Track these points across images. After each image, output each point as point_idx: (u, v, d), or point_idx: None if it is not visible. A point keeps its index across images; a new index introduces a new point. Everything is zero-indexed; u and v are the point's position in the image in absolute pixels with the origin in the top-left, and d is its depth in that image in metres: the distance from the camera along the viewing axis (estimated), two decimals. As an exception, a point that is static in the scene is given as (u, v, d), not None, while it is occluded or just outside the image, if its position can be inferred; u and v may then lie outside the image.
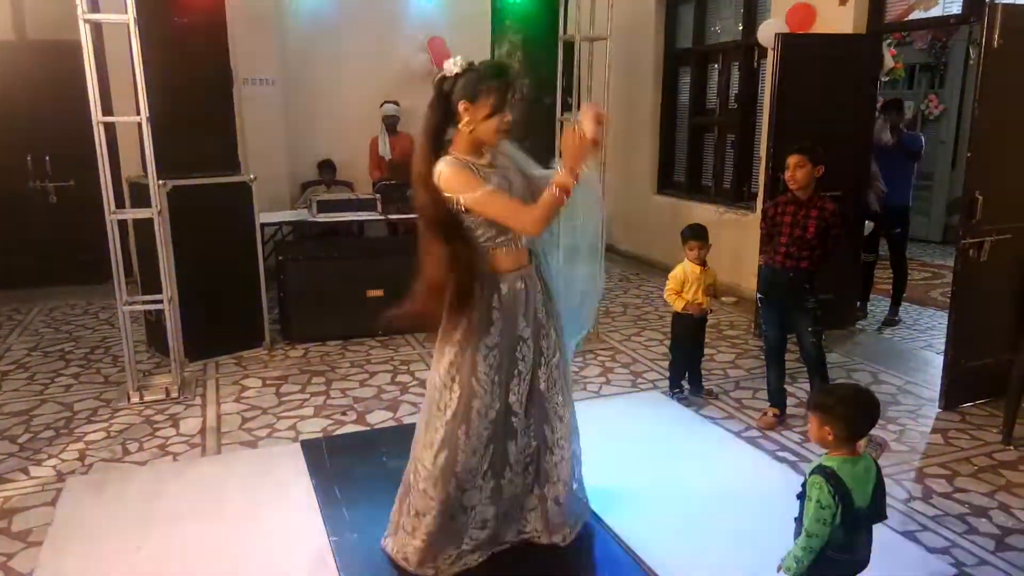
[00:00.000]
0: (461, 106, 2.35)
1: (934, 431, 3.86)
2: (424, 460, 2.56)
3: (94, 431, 3.85)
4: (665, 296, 4.23)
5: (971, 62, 8.34)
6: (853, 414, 2.07)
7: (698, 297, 4.08)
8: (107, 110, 4.20)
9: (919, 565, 2.72)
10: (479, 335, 2.47)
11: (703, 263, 4.10)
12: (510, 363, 2.53)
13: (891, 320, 5.75)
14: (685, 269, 4.11)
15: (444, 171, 2.34)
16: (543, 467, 2.71)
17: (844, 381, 4.38)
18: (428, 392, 2.62)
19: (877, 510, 2.10)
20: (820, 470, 2.06)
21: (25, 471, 3.43)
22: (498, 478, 2.62)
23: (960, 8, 4.82)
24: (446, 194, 2.34)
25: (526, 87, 5.33)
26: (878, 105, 5.58)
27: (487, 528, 2.66)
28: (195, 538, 2.86)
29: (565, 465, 2.72)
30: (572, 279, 2.79)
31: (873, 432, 2.26)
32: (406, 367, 4.76)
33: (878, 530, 2.19)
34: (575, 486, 2.81)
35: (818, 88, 4.98)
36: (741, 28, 6.81)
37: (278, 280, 5.23)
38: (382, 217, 5.91)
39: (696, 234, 4.10)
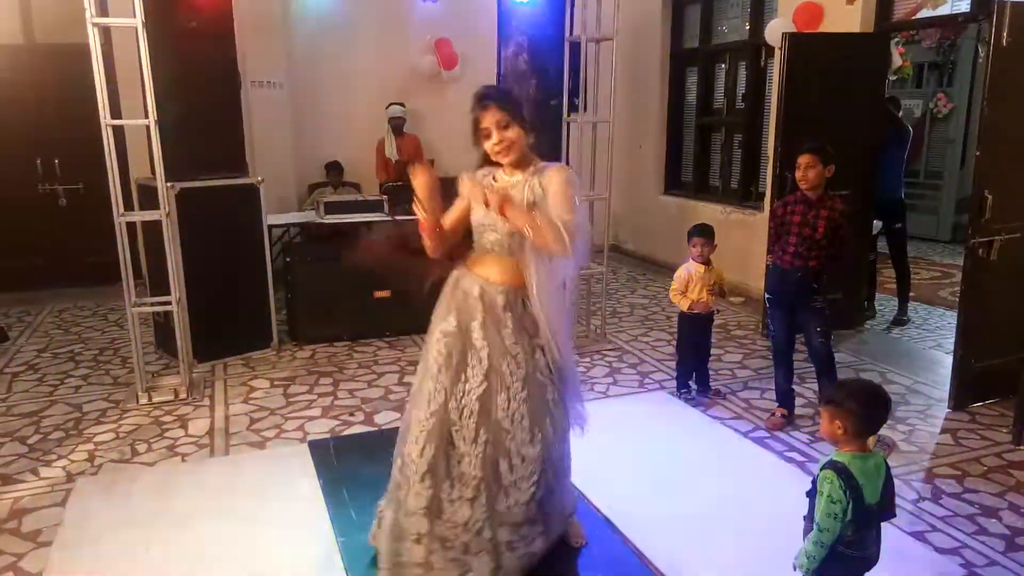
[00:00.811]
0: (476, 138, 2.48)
1: (943, 431, 3.84)
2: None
3: (103, 432, 3.87)
4: (670, 296, 4.22)
5: (980, 60, 8.30)
6: (864, 409, 2.07)
7: (703, 296, 4.08)
8: (115, 113, 4.23)
9: (929, 565, 2.70)
10: (440, 318, 2.51)
11: (707, 262, 4.09)
12: (459, 363, 2.43)
13: (900, 319, 5.72)
14: (689, 268, 4.10)
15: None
16: (495, 510, 2.41)
17: (847, 379, 4.37)
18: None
19: (887, 507, 2.10)
20: (831, 465, 2.06)
21: (35, 472, 3.45)
22: (437, 488, 2.40)
23: (969, 6, 4.80)
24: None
25: (533, 88, 5.34)
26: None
27: (421, 545, 2.40)
28: (204, 539, 2.87)
29: (521, 509, 2.44)
30: None
31: (882, 432, 2.26)
32: (413, 368, 4.71)
33: (888, 530, 2.19)
34: (533, 528, 2.50)
35: (826, 87, 4.96)
36: (748, 27, 6.79)
37: (286, 281, 5.25)
38: (389, 218, 5.91)
39: (700, 231, 4.10)
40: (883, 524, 2.14)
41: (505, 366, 2.41)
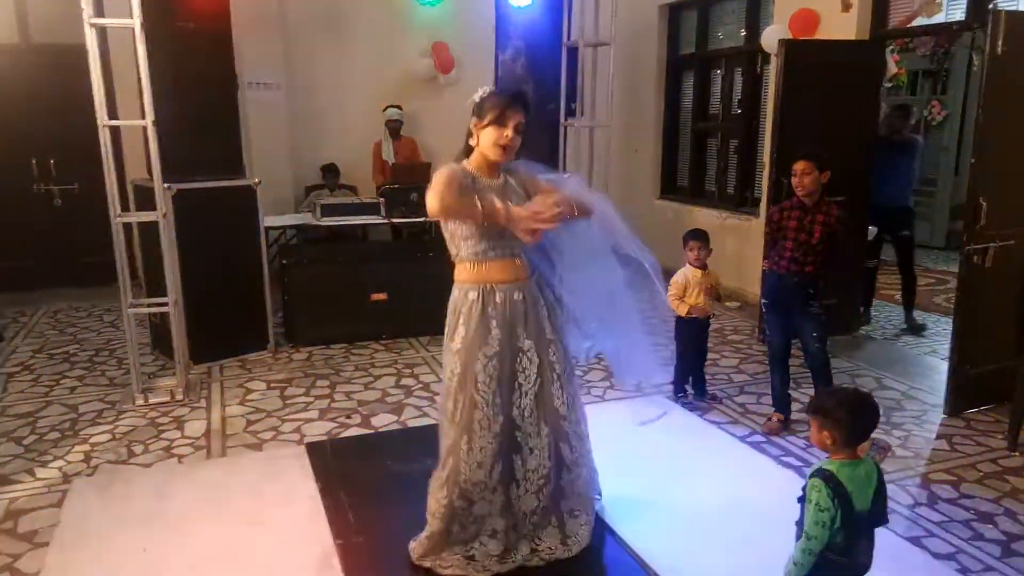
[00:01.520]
0: (471, 123, 2.53)
1: (939, 437, 3.86)
2: (440, 463, 2.63)
3: (99, 433, 3.85)
4: (668, 301, 4.23)
5: (974, 68, 8.36)
6: (851, 418, 2.07)
7: (700, 300, 4.09)
8: (112, 114, 4.21)
9: (925, 571, 2.72)
10: (478, 344, 2.50)
11: (704, 266, 4.11)
12: (511, 375, 2.54)
13: (914, 326, 5.68)
14: (686, 273, 4.12)
15: (437, 173, 2.46)
16: (560, 485, 2.69)
17: (848, 386, 4.39)
18: (440, 398, 2.69)
19: (878, 514, 2.10)
20: (819, 472, 2.06)
21: (31, 472, 3.44)
22: (507, 492, 2.62)
23: (964, 15, 4.84)
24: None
25: (530, 92, 5.37)
26: (884, 108, 5.58)
27: (497, 538, 2.63)
28: (201, 540, 2.86)
29: (583, 483, 2.77)
30: (592, 281, 2.74)
31: (876, 436, 2.26)
32: (410, 370, 4.76)
33: (884, 535, 2.19)
34: (595, 496, 2.91)
35: (821, 94, 4.99)
36: (744, 34, 6.82)
37: (282, 283, 5.24)
38: (386, 221, 5.92)
39: (696, 236, 4.12)
40: (878, 530, 2.14)
41: (552, 355, 2.59)
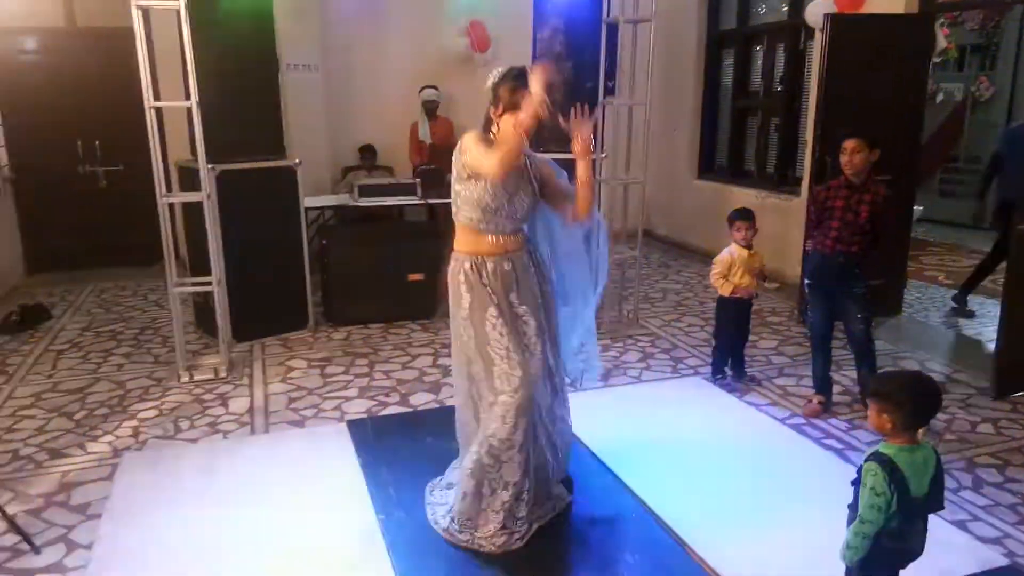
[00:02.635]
0: (489, 111, 2.63)
1: (984, 420, 3.78)
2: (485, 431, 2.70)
3: (146, 409, 3.95)
4: (712, 281, 4.19)
5: (1026, 42, 8.10)
6: (914, 402, 2.01)
7: (744, 280, 4.05)
8: (156, 96, 4.27)
9: (970, 554, 2.68)
10: (482, 311, 2.65)
11: (750, 246, 4.06)
12: (517, 335, 2.65)
13: (964, 310, 5.52)
14: (732, 252, 4.07)
15: (466, 138, 2.61)
16: (553, 440, 2.90)
17: (891, 369, 4.32)
18: (457, 377, 2.84)
19: (934, 500, 2.06)
20: (876, 456, 2.02)
21: (82, 447, 3.54)
22: (529, 453, 2.69)
23: (1018, -14, 4.68)
24: (465, 158, 2.59)
25: (568, 71, 5.31)
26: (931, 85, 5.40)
27: (523, 502, 2.70)
28: (246, 515, 2.93)
29: (568, 432, 3.05)
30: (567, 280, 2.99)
31: (932, 421, 2.20)
32: (447, 350, 4.76)
33: (928, 518, 2.16)
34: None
35: (867, 70, 4.87)
36: (787, 8, 6.68)
37: (321, 263, 5.30)
38: (422, 201, 5.94)
39: (744, 215, 4.07)
40: (930, 516, 2.11)
41: (545, 318, 2.76)
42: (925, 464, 2.03)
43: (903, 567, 2.12)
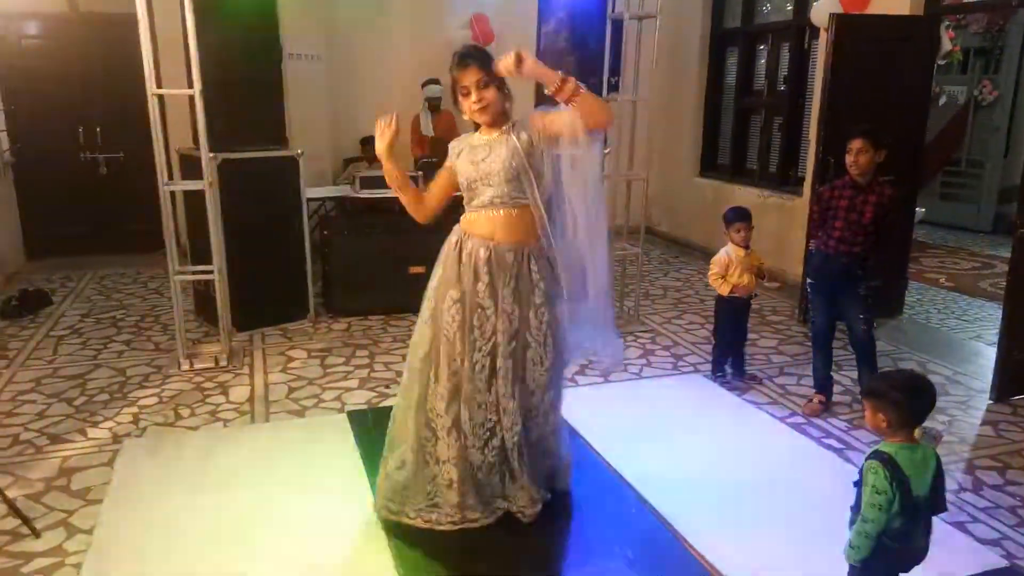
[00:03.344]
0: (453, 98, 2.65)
1: (984, 423, 3.80)
2: (401, 394, 2.79)
3: (147, 396, 3.95)
4: (709, 281, 4.20)
5: (1031, 46, 8.09)
6: (908, 400, 2.03)
7: (743, 279, 4.05)
8: (159, 83, 4.25)
9: (970, 556, 2.69)
10: (446, 286, 2.64)
11: (747, 246, 4.06)
12: (471, 325, 2.61)
13: None
14: (729, 252, 4.07)
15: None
16: (506, 446, 2.72)
17: (889, 369, 4.33)
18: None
19: (936, 501, 2.07)
20: (877, 455, 2.03)
21: (82, 432, 3.54)
22: (461, 440, 2.67)
23: (1025, -11, 4.68)
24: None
25: (571, 65, 5.31)
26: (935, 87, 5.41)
27: (453, 490, 2.68)
28: (246, 502, 2.93)
29: (550, 439, 2.83)
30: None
31: (928, 424, 2.22)
32: (448, 343, 4.78)
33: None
34: (553, 460, 2.89)
35: (872, 71, 4.87)
36: (792, 8, 6.67)
37: (322, 254, 5.30)
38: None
39: (743, 216, 4.07)
40: (933, 518, 2.11)
41: (500, 324, 2.61)
42: (925, 463, 2.04)
43: (907, 570, 2.11)
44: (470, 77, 2.51)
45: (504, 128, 2.61)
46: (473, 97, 2.52)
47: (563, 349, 2.75)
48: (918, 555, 2.08)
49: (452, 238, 2.69)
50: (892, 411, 2.03)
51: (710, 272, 4.16)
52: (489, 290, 2.60)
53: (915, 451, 2.04)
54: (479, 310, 2.61)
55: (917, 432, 2.12)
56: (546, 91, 2.42)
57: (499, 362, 2.63)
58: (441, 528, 2.70)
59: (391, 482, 2.79)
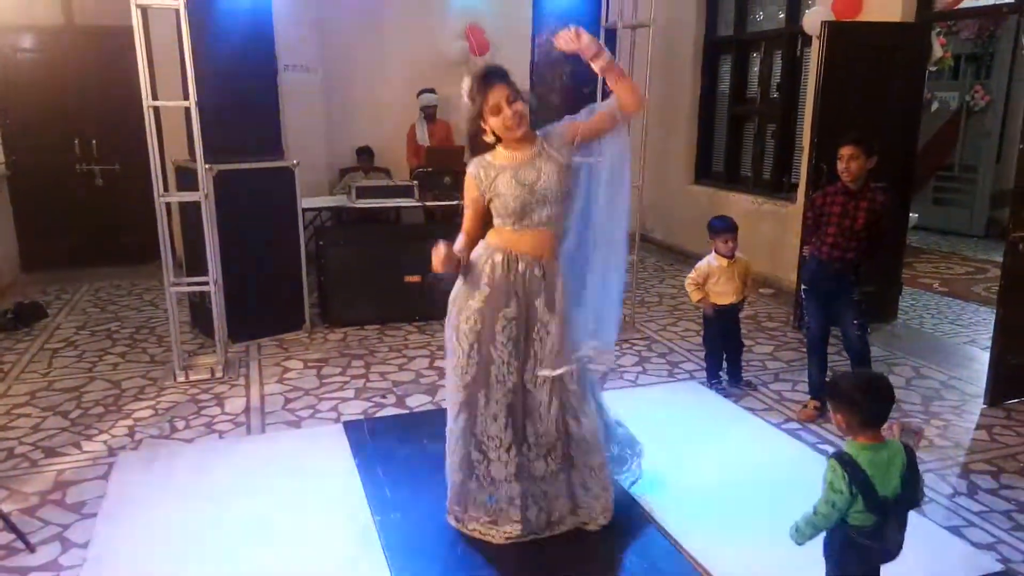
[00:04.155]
0: (480, 123, 2.56)
1: (979, 427, 3.80)
2: (452, 418, 2.77)
3: (142, 408, 3.95)
4: (685, 285, 4.22)
5: (1022, 52, 8.15)
6: (858, 400, 2.03)
7: (727, 288, 4.06)
8: (154, 95, 4.27)
9: (965, 560, 2.69)
10: (495, 307, 2.60)
11: (732, 256, 4.07)
12: (526, 339, 2.61)
13: None
14: (711, 263, 4.09)
15: (467, 173, 2.65)
16: (569, 455, 2.74)
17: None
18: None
19: (909, 496, 2.06)
20: (837, 455, 2.05)
21: (77, 445, 3.53)
22: (519, 451, 2.67)
23: (1014, -4, 4.72)
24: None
25: (566, 75, 5.32)
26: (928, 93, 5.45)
27: (515, 505, 2.69)
28: (242, 514, 2.93)
29: (592, 456, 2.78)
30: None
31: (909, 420, 2.24)
32: (443, 352, 4.77)
33: (923, 524, 2.18)
34: (603, 473, 2.84)
35: (864, 78, 4.90)
36: (784, 16, 6.71)
37: (318, 264, 5.30)
38: (419, 203, 5.94)
39: (731, 226, 4.09)
40: (918, 520, 2.11)
41: (535, 334, 2.61)
42: (890, 462, 2.03)
43: (881, 565, 2.12)
44: (499, 94, 2.47)
45: (535, 143, 2.58)
46: (507, 112, 2.47)
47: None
48: (893, 551, 2.08)
49: (496, 257, 2.60)
50: (847, 411, 2.05)
51: (688, 277, 4.17)
52: (545, 304, 2.61)
53: (879, 451, 2.03)
54: (539, 323, 2.61)
55: (895, 428, 2.14)
56: (595, 68, 2.47)
57: (528, 372, 2.65)
58: (496, 542, 2.71)
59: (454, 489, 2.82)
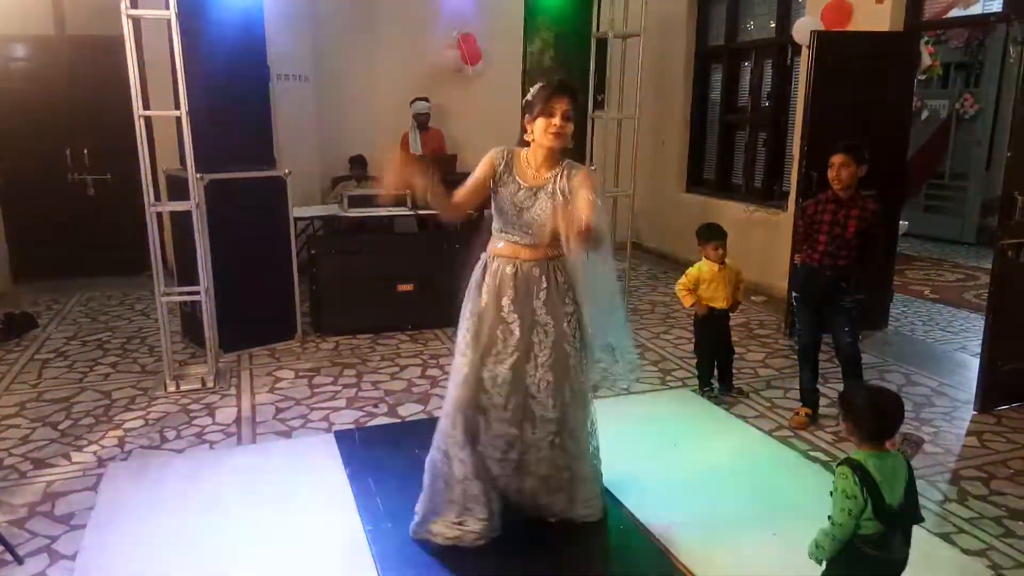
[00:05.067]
0: (525, 120, 2.64)
1: (969, 433, 3.82)
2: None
3: (132, 419, 3.92)
4: (676, 291, 4.23)
5: (1010, 60, 8.22)
6: (867, 415, 2.09)
7: (719, 293, 4.08)
8: (146, 104, 4.27)
9: (955, 567, 2.70)
10: (471, 302, 2.70)
11: (722, 262, 4.10)
12: (488, 339, 2.64)
13: None
14: (702, 268, 4.11)
15: (492, 151, 2.70)
16: (524, 461, 2.74)
17: (877, 382, 4.36)
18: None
19: (911, 511, 2.09)
20: (847, 461, 2.07)
21: (67, 456, 3.51)
22: (474, 450, 2.67)
23: (1001, 6, 4.76)
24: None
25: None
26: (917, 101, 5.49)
27: (480, 505, 2.69)
28: (232, 525, 2.91)
29: (546, 464, 2.75)
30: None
31: (908, 431, 2.27)
32: (435, 361, 4.79)
33: (914, 531, 2.17)
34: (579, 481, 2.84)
35: (853, 87, 4.93)
36: (774, 25, 6.76)
37: (310, 273, 5.30)
38: (412, 212, 5.94)
39: (720, 234, 4.12)
40: (914, 529, 2.12)
41: (534, 336, 2.64)
42: (896, 471, 2.07)
43: None
44: (564, 104, 2.53)
45: (555, 171, 2.62)
46: (557, 122, 2.53)
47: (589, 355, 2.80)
48: (897, 566, 2.09)
49: (494, 263, 2.68)
50: (854, 424, 2.11)
51: (679, 283, 4.19)
52: (515, 305, 2.63)
53: (885, 459, 2.08)
54: (503, 324, 2.64)
55: (897, 438, 2.17)
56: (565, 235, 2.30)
57: (532, 375, 2.64)
58: (464, 545, 2.70)
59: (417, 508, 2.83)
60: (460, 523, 2.72)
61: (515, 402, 2.66)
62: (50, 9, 6.56)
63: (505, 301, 2.64)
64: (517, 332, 2.63)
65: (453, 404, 2.67)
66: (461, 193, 2.66)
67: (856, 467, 2.03)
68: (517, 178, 2.64)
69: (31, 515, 3.00)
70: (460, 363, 2.68)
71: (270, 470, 3.35)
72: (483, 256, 2.75)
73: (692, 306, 4.15)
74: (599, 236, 2.34)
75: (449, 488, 2.72)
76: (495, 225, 2.70)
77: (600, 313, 2.83)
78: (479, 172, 2.66)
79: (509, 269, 2.64)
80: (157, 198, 4.38)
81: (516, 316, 2.63)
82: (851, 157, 3.55)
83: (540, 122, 2.56)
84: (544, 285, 2.64)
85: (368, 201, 6.00)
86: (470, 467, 2.66)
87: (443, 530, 2.74)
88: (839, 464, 2.09)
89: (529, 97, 2.62)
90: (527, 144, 2.66)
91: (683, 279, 4.15)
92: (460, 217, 2.76)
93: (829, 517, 2.07)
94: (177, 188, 4.53)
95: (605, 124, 5.29)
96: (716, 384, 4.29)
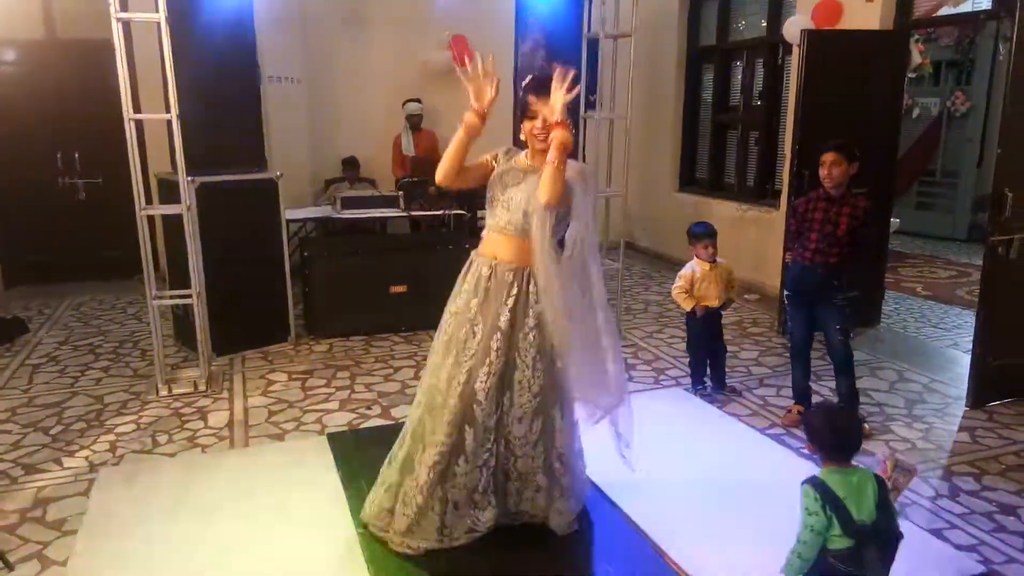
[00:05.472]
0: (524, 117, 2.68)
1: (961, 429, 3.83)
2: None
3: (124, 423, 3.91)
4: (674, 295, 4.24)
5: (1000, 58, 8.25)
6: (825, 434, 2.16)
7: (712, 292, 4.08)
8: (136, 108, 4.26)
9: (947, 562, 2.70)
10: (452, 302, 2.76)
11: (714, 260, 4.11)
12: (465, 338, 2.65)
13: None
14: (695, 268, 4.12)
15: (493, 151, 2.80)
16: (505, 468, 2.76)
17: (869, 379, 4.38)
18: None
19: (887, 525, 2.08)
20: (809, 479, 2.13)
21: (58, 462, 3.49)
22: (445, 456, 2.64)
23: (990, 3, 4.78)
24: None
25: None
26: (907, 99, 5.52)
27: (460, 511, 2.70)
28: (225, 529, 2.90)
29: (531, 462, 2.74)
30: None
31: (901, 458, 2.32)
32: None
33: (905, 527, 2.19)
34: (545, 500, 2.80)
35: (844, 85, 4.95)
36: (765, 25, 6.77)
37: (303, 276, 5.29)
38: (405, 214, 5.94)
39: (711, 233, 4.13)
40: (906, 525, 2.13)
41: (493, 342, 2.60)
42: (860, 486, 2.09)
43: None
44: (544, 106, 2.53)
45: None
46: (539, 124, 2.55)
47: (559, 383, 2.69)
48: None
49: (475, 264, 2.74)
50: (819, 444, 2.18)
51: (675, 286, 4.19)
52: (482, 307, 2.63)
53: (848, 475, 2.11)
54: (467, 325, 2.64)
55: (889, 464, 2.25)
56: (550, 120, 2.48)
57: (480, 381, 2.59)
58: (414, 553, 2.68)
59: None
60: (411, 533, 2.73)
61: (459, 406, 2.60)
62: (40, 13, 6.53)
63: (474, 303, 2.65)
64: (479, 335, 2.63)
65: (422, 400, 2.74)
66: (470, 163, 2.73)
67: (817, 485, 2.08)
68: (513, 164, 2.72)
69: (22, 521, 2.99)
70: (435, 360, 2.73)
71: (263, 474, 3.34)
72: (471, 255, 2.79)
73: (692, 308, 4.14)
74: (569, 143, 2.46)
75: (411, 488, 2.74)
76: (486, 220, 2.73)
77: (584, 364, 2.68)
78: (483, 157, 2.77)
79: (485, 270, 2.66)
80: (148, 201, 4.36)
81: (481, 319, 2.63)
82: (842, 155, 3.56)
83: (526, 124, 2.61)
84: (514, 292, 2.61)
85: (361, 203, 5.99)
86: (431, 467, 2.67)
87: (402, 538, 2.75)
88: (803, 484, 2.13)
89: (521, 93, 2.66)
90: (525, 145, 2.71)
91: (678, 282, 4.15)
92: (455, 181, 2.67)
93: (796, 536, 2.10)
94: (168, 191, 4.52)
95: (597, 124, 5.29)
96: (709, 382, 4.29)
